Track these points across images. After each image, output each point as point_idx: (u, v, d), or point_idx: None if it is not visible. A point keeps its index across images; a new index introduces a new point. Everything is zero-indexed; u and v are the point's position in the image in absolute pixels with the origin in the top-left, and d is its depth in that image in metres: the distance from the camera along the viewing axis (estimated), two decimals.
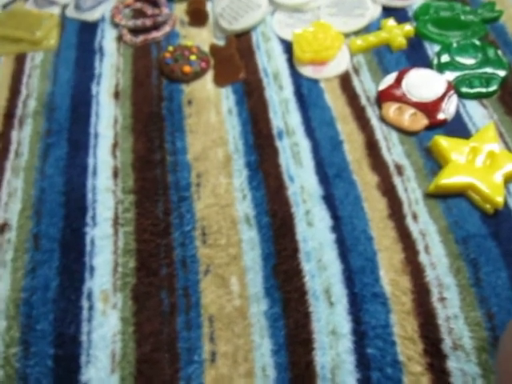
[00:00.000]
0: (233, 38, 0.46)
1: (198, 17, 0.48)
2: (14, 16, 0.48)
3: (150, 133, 0.40)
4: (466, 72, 0.41)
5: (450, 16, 0.46)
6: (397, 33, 0.44)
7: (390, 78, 0.41)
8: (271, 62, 0.44)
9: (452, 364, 0.28)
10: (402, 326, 0.29)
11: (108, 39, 0.47)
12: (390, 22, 0.45)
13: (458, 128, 0.38)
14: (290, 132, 0.39)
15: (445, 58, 0.42)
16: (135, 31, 0.47)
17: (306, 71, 0.43)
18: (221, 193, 0.36)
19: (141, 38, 0.47)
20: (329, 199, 0.35)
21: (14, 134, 0.41)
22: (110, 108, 0.42)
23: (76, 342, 0.30)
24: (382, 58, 0.43)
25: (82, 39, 0.48)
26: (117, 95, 0.43)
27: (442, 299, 0.30)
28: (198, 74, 0.43)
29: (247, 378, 0.28)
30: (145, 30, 0.47)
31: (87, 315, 0.31)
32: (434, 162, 0.36)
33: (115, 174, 0.38)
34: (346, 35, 0.45)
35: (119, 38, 0.47)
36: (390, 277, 0.31)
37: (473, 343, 0.28)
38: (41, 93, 0.44)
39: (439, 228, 0.33)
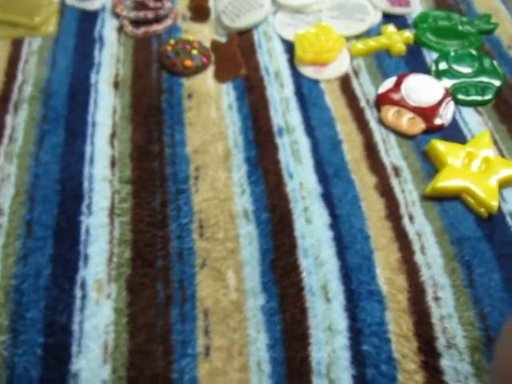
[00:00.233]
0: (235, 35, 0.46)
1: (200, 12, 0.48)
2: (13, 1, 0.47)
3: (149, 124, 0.40)
4: (463, 80, 0.42)
5: (448, 26, 0.47)
6: (397, 39, 0.45)
7: (390, 82, 0.41)
8: (272, 61, 0.44)
9: (445, 362, 0.28)
10: (398, 324, 0.29)
11: (108, 29, 0.47)
12: (390, 28, 0.46)
13: (454, 133, 0.39)
14: (289, 130, 0.39)
15: (443, 66, 0.43)
16: (136, 23, 0.47)
17: (307, 71, 0.43)
18: (219, 187, 0.36)
19: (142, 30, 0.46)
20: (327, 197, 0.35)
21: (9, 119, 0.40)
22: (110, 97, 0.41)
23: (67, 331, 0.29)
24: (382, 62, 0.44)
25: (82, 27, 0.47)
26: (116, 85, 0.42)
27: (437, 299, 0.30)
28: (199, 69, 0.43)
29: (242, 373, 0.28)
30: (146, 22, 0.47)
31: (80, 304, 0.30)
32: (431, 165, 0.37)
33: (112, 164, 0.37)
34: (347, 38, 0.45)
35: (120, 29, 0.47)
36: (386, 275, 0.31)
37: (466, 342, 0.29)
38: (38, 78, 0.43)
39: (435, 229, 0.33)
